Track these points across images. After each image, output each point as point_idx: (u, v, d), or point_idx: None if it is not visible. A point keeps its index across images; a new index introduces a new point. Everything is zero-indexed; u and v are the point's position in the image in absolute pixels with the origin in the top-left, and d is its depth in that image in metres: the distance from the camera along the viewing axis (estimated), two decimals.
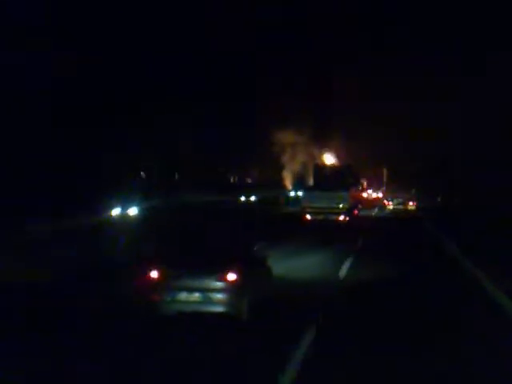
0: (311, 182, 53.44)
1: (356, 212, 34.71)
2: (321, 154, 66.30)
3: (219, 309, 7.79)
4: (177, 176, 40.94)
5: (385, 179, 58.03)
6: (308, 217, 29.81)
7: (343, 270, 12.88)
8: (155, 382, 5.66)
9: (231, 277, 7.70)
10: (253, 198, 44.23)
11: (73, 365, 5.94)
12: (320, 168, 39.44)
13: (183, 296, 7.91)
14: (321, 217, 29.51)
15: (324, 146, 65.49)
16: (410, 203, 51.68)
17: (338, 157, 63.66)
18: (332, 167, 40.42)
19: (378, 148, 53.54)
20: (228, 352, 6.44)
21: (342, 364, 5.94)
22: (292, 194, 49.73)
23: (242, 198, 41.82)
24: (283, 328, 7.45)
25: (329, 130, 58.99)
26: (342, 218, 29.15)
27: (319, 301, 9.13)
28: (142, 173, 37.48)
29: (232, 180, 53.68)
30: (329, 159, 65.41)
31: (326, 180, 34.34)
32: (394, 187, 55.20)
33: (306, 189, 35.66)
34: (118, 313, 8.29)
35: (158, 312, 8.01)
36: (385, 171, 58.31)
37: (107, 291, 9.44)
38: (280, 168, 61.60)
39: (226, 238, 9.47)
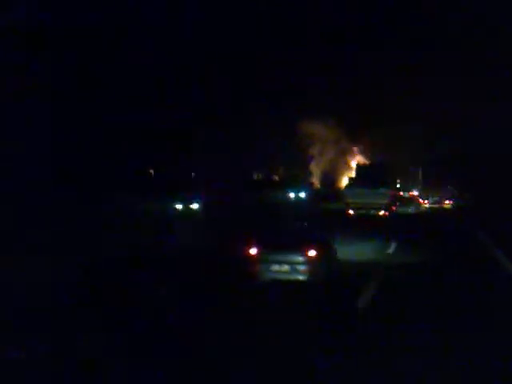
0: (343, 179, 55.89)
1: (394, 208, 37.23)
2: (352, 151, 66.20)
3: (303, 277, 10.82)
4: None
5: (420, 177, 57.88)
6: (351, 212, 32.62)
7: (388, 255, 15.82)
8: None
9: (311, 253, 10.75)
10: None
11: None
12: (362, 166, 42.25)
13: (276, 267, 10.98)
14: (363, 211, 32.29)
15: (355, 142, 64.40)
16: (446, 201, 51.42)
17: (370, 155, 62.77)
18: (373, 166, 42.81)
19: (413, 146, 53.38)
20: (316, 299, 9.49)
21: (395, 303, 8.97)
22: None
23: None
24: (354, 287, 10.57)
25: (361, 127, 57.30)
26: (382, 213, 31.90)
27: (370, 275, 12.14)
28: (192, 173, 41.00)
29: (256, 177, 52.73)
30: (361, 157, 65.37)
31: (368, 177, 36.96)
32: (430, 185, 55.18)
33: (349, 186, 38.26)
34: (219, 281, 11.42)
35: (256, 279, 11.11)
36: (420, 172, 57.91)
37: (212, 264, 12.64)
38: (307, 164, 60.13)
39: (303, 226, 12.57)
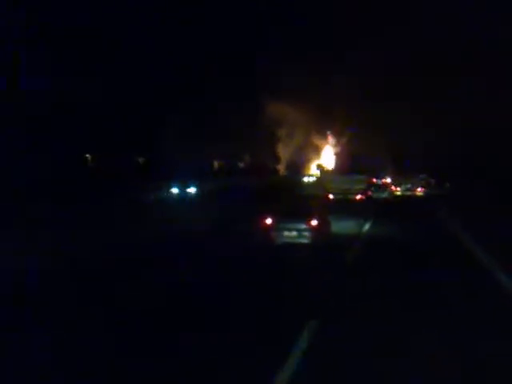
0: (311, 166, 56.70)
1: (369, 193, 41.91)
2: (322, 138, 63.54)
3: (307, 241, 15.09)
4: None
5: (392, 166, 59.55)
6: (331, 196, 37.09)
7: (364, 229, 20.27)
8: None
9: (314, 223, 15.04)
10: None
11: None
12: (339, 156, 46.96)
13: (286, 233, 15.25)
14: (341, 196, 36.81)
15: (325, 129, 62.37)
16: (419, 189, 52.04)
17: (341, 142, 62.03)
18: (349, 155, 47.46)
19: (386, 135, 53.01)
20: (312, 253, 13.83)
21: (369, 257, 13.36)
22: None
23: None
24: (338, 247, 14.93)
25: (331, 113, 54.65)
26: (359, 197, 36.51)
27: (353, 241, 16.54)
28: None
29: (217, 165, 49.25)
30: (330, 145, 64.17)
31: (347, 166, 41.67)
32: (403, 173, 55.17)
33: (328, 173, 42.83)
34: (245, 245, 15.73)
35: (271, 242, 15.34)
36: (392, 160, 59.49)
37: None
38: (274, 151, 56.66)
39: (306, 203, 16.92)
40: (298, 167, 58.99)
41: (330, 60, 50.42)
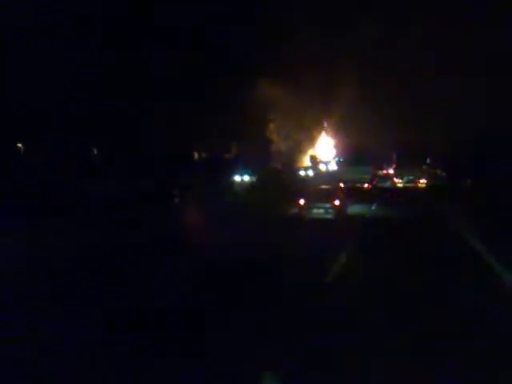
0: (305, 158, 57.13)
1: (374, 182, 47.64)
2: (317, 127, 58.99)
3: (331, 216, 20.85)
4: None
5: (394, 157, 60.14)
6: (341, 185, 42.80)
7: (372, 210, 26.02)
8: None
9: (336, 202, 20.84)
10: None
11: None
12: (348, 149, 52.67)
13: (315, 211, 21.05)
14: (350, 184, 42.52)
15: (324, 116, 57.91)
16: (421, 181, 51.36)
17: (339, 133, 59.16)
18: (356, 148, 52.79)
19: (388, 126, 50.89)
20: (332, 224, 19.57)
21: (375, 229, 19.12)
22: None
23: None
24: (355, 222, 20.69)
25: (330, 97, 50.51)
26: (366, 185, 42.29)
27: (363, 218, 22.28)
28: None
29: (197, 156, 44.72)
30: (329, 134, 60.84)
31: (354, 158, 47.46)
32: (405, 165, 55.10)
33: (340, 165, 48.70)
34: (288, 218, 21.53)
35: (304, 217, 21.09)
36: (394, 153, 59.95)
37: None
38: (265, 140, 51.11)
39: (327, 189, 22.77)
40: (291, 159, 55.77)
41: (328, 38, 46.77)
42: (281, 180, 41.32)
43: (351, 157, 48.28)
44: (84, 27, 28.15)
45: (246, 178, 41.02)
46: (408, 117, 49.99)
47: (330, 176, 46.15)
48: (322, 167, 55.99)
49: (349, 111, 51.13)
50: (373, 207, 27.36)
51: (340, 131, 58.16)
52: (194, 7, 36.05)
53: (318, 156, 58.95)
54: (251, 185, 40.91)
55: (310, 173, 49.22)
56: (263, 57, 42.23)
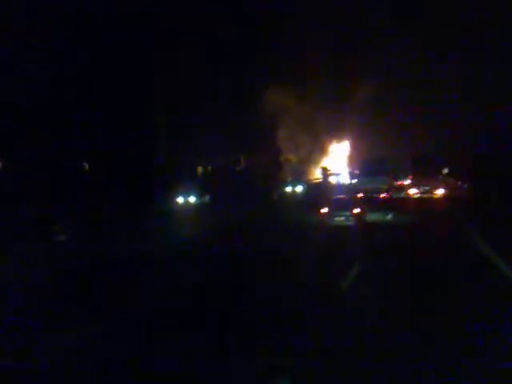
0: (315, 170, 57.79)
1: (390, 193, 49.61)
2: (330, 138, 58.05)
3: (351, 223, 23.28)
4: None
5: (410, 168, 58.50)
6: (360, 195, 45.11)
7: (388, 219, 28.35)
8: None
9: (356, 211, 23.28)
10: None
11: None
12: (366, 160, 54.86)
13: (337, 218, 23.51)
14: (369, 195, 44.74)
15: (333, 128, 56.47)
16: (437, 191, 50.29)
17: (352, 143, 59.79)
18: (375, 159, 54.70)
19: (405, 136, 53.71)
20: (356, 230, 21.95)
21: (392, 234, 21.49)
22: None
23: None
24: (372, 227, 23.06)
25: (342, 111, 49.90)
26: (383, 195, 44.50)
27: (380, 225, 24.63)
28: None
29: (201, 170, 42.84)
30: (342, 144, 60.87)
31: (372, 168, 49.75)
32: (422, 174, 53.33)
33: (356, 176, 51.02)
34: (311, 225, 23.97)
35: (326, 224, 23.53)
36: (411, 163, 58.15)
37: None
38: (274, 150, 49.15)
39: (347, 199, 25.20)
40: (302, 171, 54.64)
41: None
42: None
43: (367, 168, 50.61)
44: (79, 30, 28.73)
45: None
46: (425, 126, 52.58)
47: (347, 187, 48.48)
48: (334, 179, 55.58)
49: (363, 120, 52.08)
50: (389, 216, 29.65)
51: (354, 141, 59.34)
52: (199, 11, 35.87)
53: (329, 168, 58.29)
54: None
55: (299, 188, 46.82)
56: (272, 63, 40.87)
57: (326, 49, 45.44)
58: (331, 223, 23.30)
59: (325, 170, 57.44)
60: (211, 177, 38.90)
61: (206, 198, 36.01)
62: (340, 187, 45.65)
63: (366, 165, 52.48)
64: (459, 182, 56.94)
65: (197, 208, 33.77)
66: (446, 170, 56.44)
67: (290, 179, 46.01)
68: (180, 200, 34.39)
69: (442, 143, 53.84)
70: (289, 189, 44.96)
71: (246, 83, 39.19)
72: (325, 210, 23.84)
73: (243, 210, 30.76)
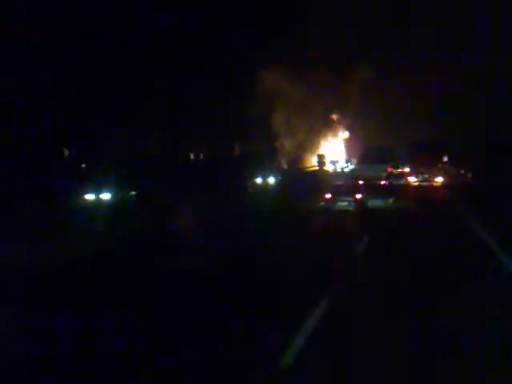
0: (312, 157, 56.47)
1: (390, 180, 50.51)
2: (331, 120, 56.62)
3: (353, 208, 24.25)
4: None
5: (409, 154, 57.01)
6: (360, 182, 46.06)
7: (388, 204, 29.33)
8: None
9: (358, 196, 24.26)
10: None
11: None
12: (365, 147, 55.86)
13: (339, 203, 24.49)
14: (370, 182, 45.68)
15: (334, 108, 55.01)
16: (436, 179, 49.89)
17: (351, 128, 58.14)
18: (376, 148, 55.46)
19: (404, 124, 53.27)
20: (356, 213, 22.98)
21: (392, 217, 22.53)
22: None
23: None
24: (371, 213, 24.08)
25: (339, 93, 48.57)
26: (383, 182, 45.47)
27: (383, 208, 25.64)
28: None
29: (191, 156, 40.91)
30: (341, 130, 58.88)
31: (372, 156, 50.75)
32: (421, 162, 52.85)
33: (357, 163, 51.96)
34: (315, 209, 24.97)
35: (329, 209, 24.50)
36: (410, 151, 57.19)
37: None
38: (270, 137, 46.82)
39: (349, 185, 26.17)
40: (298, 159, 53.13)
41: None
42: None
43: (366, 155, 51.55)
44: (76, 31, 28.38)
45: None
46: (424, 113, 52.21)
47: (347, 174, 49.54)
48: (330, 167, 54.78)
49: (361, 107, 50.98)
50: (390, 201, 30.66)
51: (352, 128, 58.12)
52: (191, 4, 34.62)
53: (325, 155, 57.01)
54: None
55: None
56: (267, 45, 39.36)
57: (323, 32, 44.52)
58: (334, 208, 24.28)
59: (321, 157, 56.14)
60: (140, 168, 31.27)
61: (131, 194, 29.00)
62: (338, 175, 46.62)
63: (365, 152, 53.43)
64: (462, 171, 56.29)
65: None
66: (445, 158, 55.75)
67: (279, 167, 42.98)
68: (90, 197, 27.13)
69: (442, 129, 53.05)
70: (259, 180, 39.70)
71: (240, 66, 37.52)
72: (328, 195, 24.80)
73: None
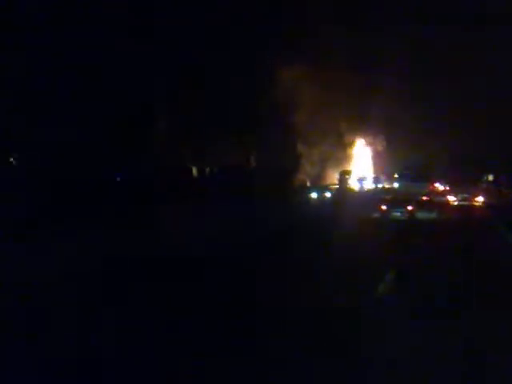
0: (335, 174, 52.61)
1: (431, 196, 54.36)
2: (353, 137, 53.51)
3: (405, 217, 29.51)
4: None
5: (449, 174, 55.76)
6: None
7: (433, 216, 34.31)
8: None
9: (409, 208, 29.66)
10: None
11: None
12: (407, 167, 60.23)
13: (394, 213, 29.85)
14: (413, 197, 50.01)
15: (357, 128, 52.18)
16: (477, 199, 47.58)
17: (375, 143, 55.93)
18: (413, 166, 59.34)
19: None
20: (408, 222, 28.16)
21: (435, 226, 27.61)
22: None
23: None
24: (422, 222, 29.23)
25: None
26: (425, 198, 49.94)
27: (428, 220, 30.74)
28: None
29: (194, 172, 37.27)
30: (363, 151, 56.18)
31: (412, 174, 55.24)
32: (461, 180, 51.68)
33: (397, 180, 56.50)
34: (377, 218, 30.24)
35: (386, 217, 29.73)
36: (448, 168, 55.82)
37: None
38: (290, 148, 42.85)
39: (402, 199, 31.51)
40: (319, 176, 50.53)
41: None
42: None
43: (405, 173, 55.59)
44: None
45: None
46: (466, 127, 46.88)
47: (392, 190, 53.44)
48: (355, 185, 53.12)
49: (390, 115, 45.80)
50: (433, 214, 35.64)
51: (383, 143, 54.86)
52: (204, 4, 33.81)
53: (351, 171, 53.49)
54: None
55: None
56: (288, 47, 36.78)
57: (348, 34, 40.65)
58: (389, 217, 29.53)
59: (346, 173, 51.49)
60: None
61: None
62: (386, 190, 50.62)
63: (405, 170, 57.77)
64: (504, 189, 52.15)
65: None
66: (490, 177, 53.62)
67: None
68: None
69: (485, 144, 48.14)
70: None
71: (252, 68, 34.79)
72: (383, 207, 30.22)
73: None
